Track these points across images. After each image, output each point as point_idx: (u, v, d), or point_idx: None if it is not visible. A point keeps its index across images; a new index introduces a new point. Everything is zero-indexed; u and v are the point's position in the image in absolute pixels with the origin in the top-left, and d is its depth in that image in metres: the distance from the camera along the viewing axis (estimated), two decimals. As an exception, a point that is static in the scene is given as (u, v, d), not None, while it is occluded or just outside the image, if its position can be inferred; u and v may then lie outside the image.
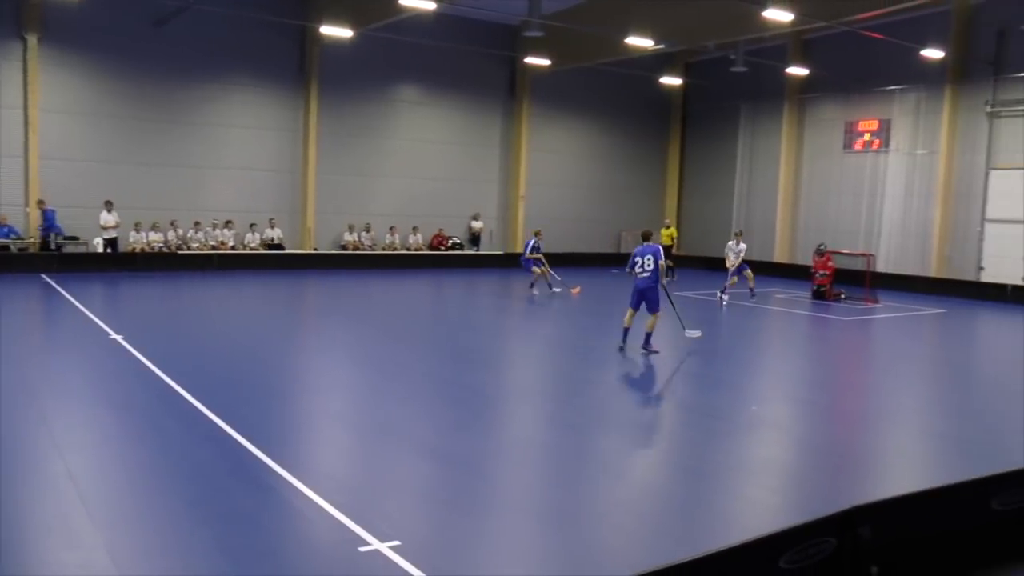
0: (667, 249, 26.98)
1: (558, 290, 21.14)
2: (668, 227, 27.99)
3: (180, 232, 25.15)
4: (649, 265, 12.98)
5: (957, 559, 5.69)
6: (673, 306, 13.86)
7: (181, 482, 6.89)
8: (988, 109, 24.84)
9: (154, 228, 24.65)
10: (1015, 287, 23.95)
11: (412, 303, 21.18)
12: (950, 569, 5.61)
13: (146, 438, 8.15)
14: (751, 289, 21.59)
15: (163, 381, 10.20)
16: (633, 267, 13.14)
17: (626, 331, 13.34)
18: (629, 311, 13.28)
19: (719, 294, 20.85)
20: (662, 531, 6.41)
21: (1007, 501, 5.99)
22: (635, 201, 34.42)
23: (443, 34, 27.45)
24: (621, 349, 13.28)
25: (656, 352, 13.13)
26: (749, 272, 21.44)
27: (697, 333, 14.42)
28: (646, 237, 13.76)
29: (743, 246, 21.66)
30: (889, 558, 5.24)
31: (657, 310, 13.10)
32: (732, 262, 21.49)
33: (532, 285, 21.23)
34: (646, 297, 13.05)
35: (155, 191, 24.99)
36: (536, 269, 21.12)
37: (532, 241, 21.37)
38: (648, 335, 13.19)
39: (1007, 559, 5.88)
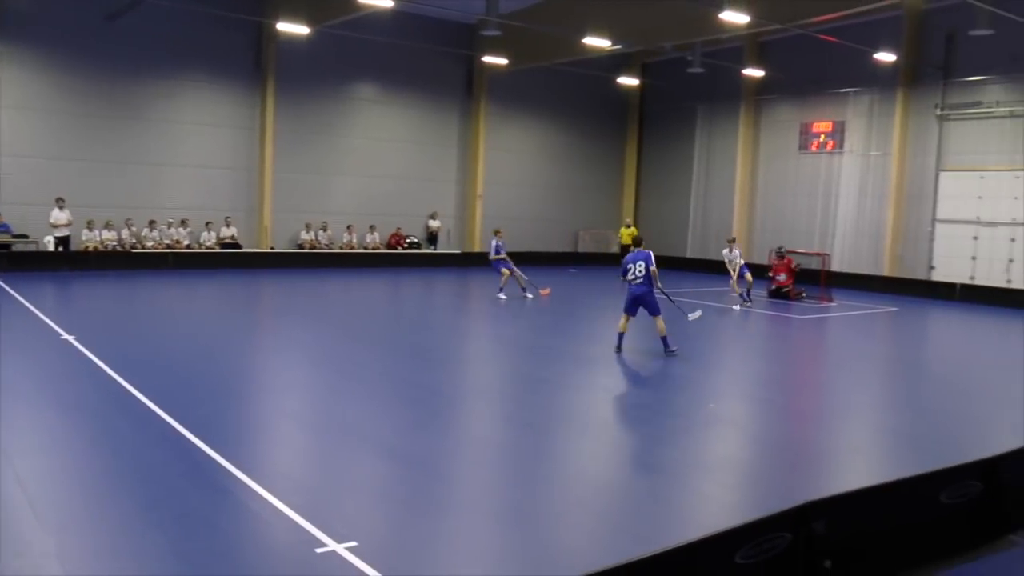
0: (627, 249, 27.21)
1: (530, 296, 20.48)
2: (628, 227, 28.18)
3: (134, 230, 24.72)
4: (640, 272, 13.05)
5: (908, 551, 5.81)
6: (669, 299, 13.93)
7: (134, 485, 6.78)
8: (938, 112, 25.33)
9: (107, 226, 24.22)
10: (964, 286, 24.50)
11: (369, 302, 21.07)
12: (901, 561, 5.72)
13: (98, 440, 8.01)
14: (741, 293, 21.17)
15: (116, 382, 10.04)
16: (625, 274, 13.23)
17: (620, 336, 13.42)
18: (623, 317, 13.38)
19: (740, 306, 20.64)
20: (620, 529, 6.44)
21: (955, 494, 6.14)
22: (592, 201, 34.60)
23: (400, 32, 27.35)
24: (618, 352, 13.34)
25: (675, 352, 13.19)
26: (748, 276, 21.17)
27: (698, 312, 14.58)
28: (637, 243, 13.77)
29: (736, 252, 21.36)
30: (842, 552, 5.34)
31: (658, 312, 13.21)
32: (730, 269, 21.36)
33: (500, 290, 20.48)
34: (644, 302, 13.11)
35: (108, 188, 24.56)
36: (505, 271, 20.42)
37: (494, 242, 20.72)
38: (664, 339, 13.27)
39: (956, 550, 6.02)
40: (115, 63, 24.37)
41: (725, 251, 21.74)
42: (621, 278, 13.38)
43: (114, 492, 6.62)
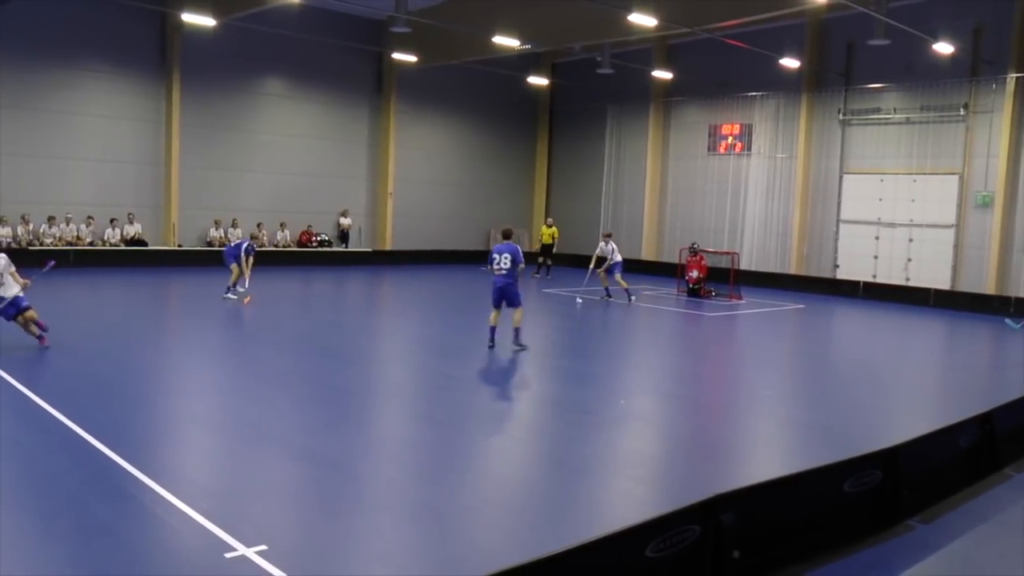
0: (548, 248, 27.46)
1: (233, 296, 18.64)
2: (550, 226, 28.39)
3: (32, 227, 23.72)
4: (506, 264, 13.19)
5: (813, 539, 6.00)
6: (576, 300, 13.97)
7: (32, 494, 6.49)
8: (840, 117, 26.22)
9: (1, 222, 23.16)
10: (867, 284, 25.45)
11: (279, 301, 20.66)
12: (807, 548, 5.89)
13: (-8, 446, 7.65)
14: (612, 290, 20.93)
15: (11, 386, 9.61)
16: (491, 263, 13.38)
17: (492, 329, 13.52)
18: (493, 311, 13.49)
19: (597, 299, 20.60)
20: (532, 525, 6.47)
21: (857, 483, 6.35)
22: (504, 199, 34.69)
23: (310, 27, 26.88)
24: (491, 347, 13.42)
25: (525, 348, 13.31)
26: (618, 276, 20.63)
27: (579, 302, 14.39)
28: (506, 236, 13.91)
29: (612, 247, 20.86)
30: (750, 542, 5.48)
31: (519, 304, 13.35)
32: (593, 261, 20.98)
33: (230, 289, 18.80)
34: (505, 294, 13.26)
35: (2, 183, 23.45)
36: (235, 267, 18.76)
37: (246, 242, 19.21)
38: (516, 330, 13.39)
39: (858, 536, 6.24)
40: (8, 50, 23.24)
41: (602, 243, 21.39)
42: (487, 267, 13.57)
43: (9, 502, 6.31)
